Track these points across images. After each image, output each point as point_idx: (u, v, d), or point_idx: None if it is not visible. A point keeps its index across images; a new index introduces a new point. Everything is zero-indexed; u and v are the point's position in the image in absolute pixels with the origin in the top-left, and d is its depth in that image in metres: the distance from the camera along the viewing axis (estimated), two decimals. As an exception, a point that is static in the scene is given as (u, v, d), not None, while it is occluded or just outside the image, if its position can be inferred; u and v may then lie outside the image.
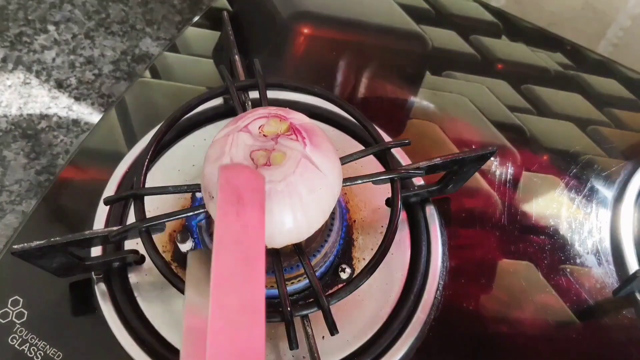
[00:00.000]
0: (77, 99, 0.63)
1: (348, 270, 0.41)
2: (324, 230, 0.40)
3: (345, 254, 0.42)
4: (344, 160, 0.38)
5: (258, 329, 0.24)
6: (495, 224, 0.45)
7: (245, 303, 0.24)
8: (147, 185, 0.38)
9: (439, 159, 0.40)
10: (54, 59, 0.65)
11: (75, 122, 0.62)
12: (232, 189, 0.28)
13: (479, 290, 0.42)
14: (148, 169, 0.38)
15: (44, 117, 0.61)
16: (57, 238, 0.35)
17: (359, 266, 0.42)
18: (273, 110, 0.35)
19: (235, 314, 0.24)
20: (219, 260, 0.25)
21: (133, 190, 0.37)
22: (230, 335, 0.23)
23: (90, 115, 0.63)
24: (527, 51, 0.55)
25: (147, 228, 0.36)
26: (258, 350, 0.23)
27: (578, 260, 0.44)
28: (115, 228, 0.36)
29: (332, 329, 0.35)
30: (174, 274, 0.36)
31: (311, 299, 0.36)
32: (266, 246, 0.34)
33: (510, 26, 0.56)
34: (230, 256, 0.26)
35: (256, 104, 0.42)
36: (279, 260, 0.36)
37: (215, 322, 0.23)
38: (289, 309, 0.34)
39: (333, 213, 0.41)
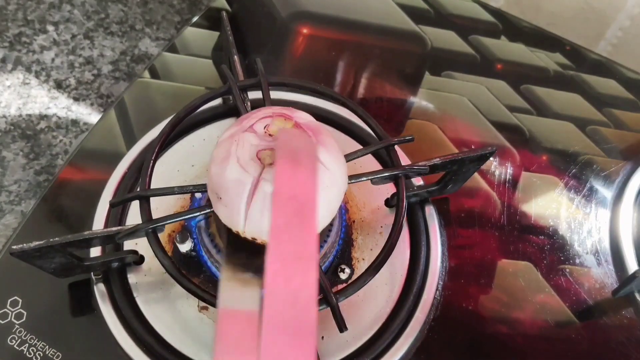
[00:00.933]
0: (76, 99, 0.63)
1: (347, 270, 0.41)
2: (324, 231, 0.40)
3: (344, 254, 0.42)
4: (348, 157, 0.38)
5: (311, 275, 0.26)
6: (495, 224, 0.45)
7: (299, 250, 0.27)
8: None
9: (438, 159, 0.40)
10: (53, 60, 0.65)
11: (75, 122, 0.62)
12: (290, 150, 0.30)
13: (479, 291, 0.42)
14: (153, 169, 0.38)
15: (43, 117, 0.61)
16: (56, 238, 0.34)
17: (359, 266, 0.42)
18: (277, 109, 0.35)
19: (290, 259, 0.27)
20: (276, 211, 0.28)
21: (139, 192, 0.37)
22: (286, 278, 0.26)
23: (89, 115, 0.62)
24: (526, 51, 0.55)
25: (153, 229, 0.36)
26: (310, 292, 0.26)
27: (577, 261, 0.44)
28: (123, 228, 0.36)
29: (342, 325, 0.35)
30: (181, 274, 0.36)
31: (319, 296, 0.35)
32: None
33: (509, 26, 0.56)
34: (287, 208, 0.28)
35: (255, 104, 0.42)
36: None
37: (271, 265, 0.26)
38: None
39: (332, 213, 0.41)
